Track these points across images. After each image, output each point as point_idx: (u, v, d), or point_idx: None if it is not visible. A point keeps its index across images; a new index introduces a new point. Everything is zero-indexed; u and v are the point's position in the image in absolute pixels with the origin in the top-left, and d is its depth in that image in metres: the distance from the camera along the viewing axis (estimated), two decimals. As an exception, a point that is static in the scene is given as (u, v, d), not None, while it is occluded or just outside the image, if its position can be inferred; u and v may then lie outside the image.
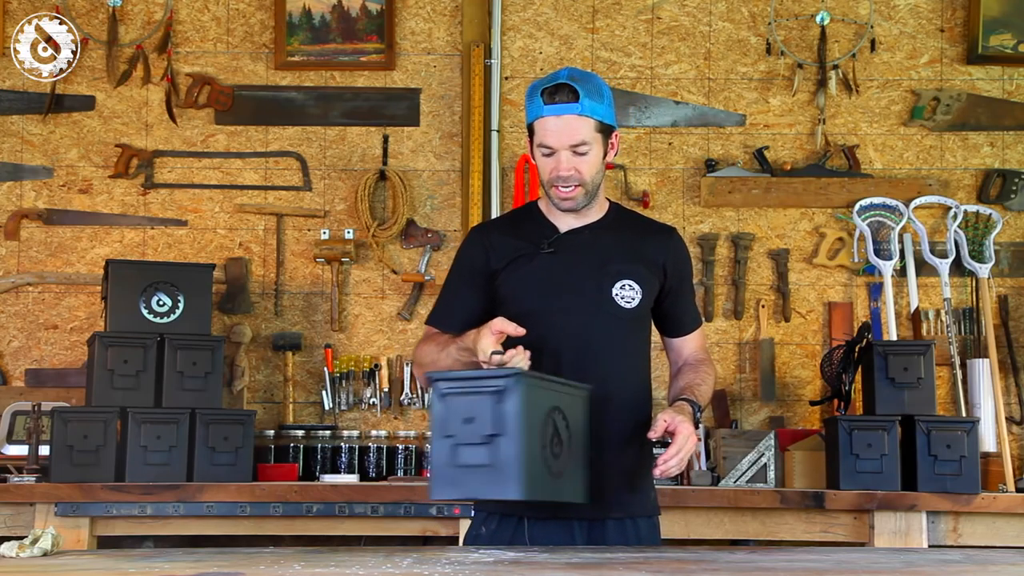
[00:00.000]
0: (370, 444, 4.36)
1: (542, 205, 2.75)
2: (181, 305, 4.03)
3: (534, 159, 2.64)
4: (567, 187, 2.59)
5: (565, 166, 2.56)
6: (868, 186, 4.60)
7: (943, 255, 4.51)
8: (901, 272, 4.57)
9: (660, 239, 2.75)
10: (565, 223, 2.69)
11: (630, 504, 2.62)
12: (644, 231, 2.77)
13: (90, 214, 4.66)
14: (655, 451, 2.67)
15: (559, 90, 2.53)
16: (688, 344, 2.81)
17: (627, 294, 2.64)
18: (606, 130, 2.59)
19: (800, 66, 4.64)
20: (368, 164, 4.69)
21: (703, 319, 2.88)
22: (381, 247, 4.63)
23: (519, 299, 2.65)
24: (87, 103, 4.69)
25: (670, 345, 2.83)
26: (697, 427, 2.55)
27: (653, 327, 2.81)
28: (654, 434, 2.47)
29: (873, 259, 4.50)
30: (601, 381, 2.58)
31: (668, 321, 2.79)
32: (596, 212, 2.71)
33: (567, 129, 2.53)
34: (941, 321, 4.52)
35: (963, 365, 4.48)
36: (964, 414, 4.39)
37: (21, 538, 2.13)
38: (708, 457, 4.28)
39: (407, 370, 4.56)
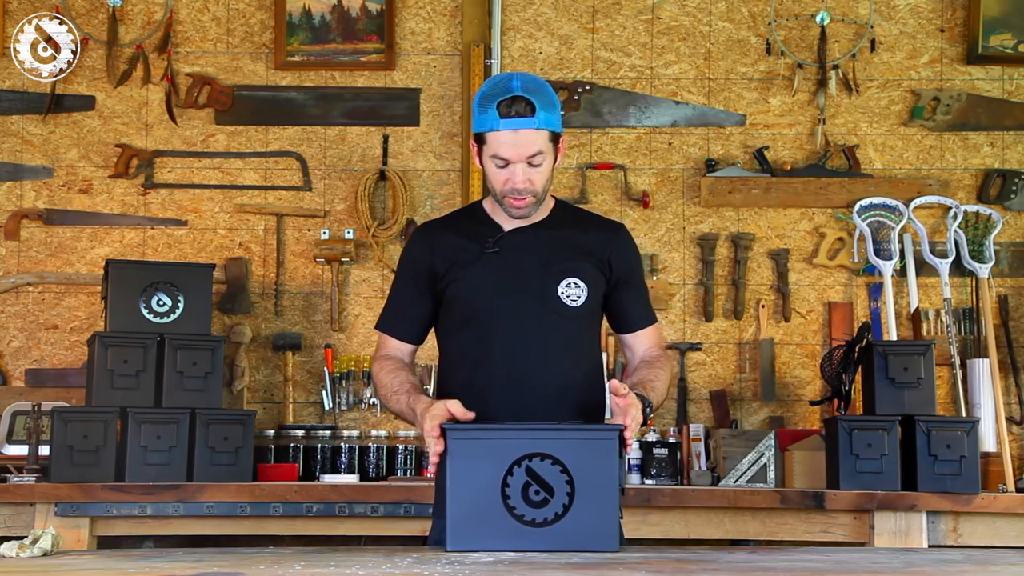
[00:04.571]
0: (370, 444, 4.35)
1: (487, 205, 2.75)
2: (181, 305, 4.03)
3: (481, 165, 2.64)
4: (521, 198, 2.59)
5: (521, 179, 2.56)
6: (868, 186, 4.60)
7: (943, 255, 4.51)
8: (901, 272, 4.57)
9: (605, 234, 2.74)
10: (509, 222, 2.69)
11: None
12: (589, 227, 2.76)
13: (90, 214, 4.66)
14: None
15: (515, 103, 2.51)
16: (641, 341, 2.78)
17: (572, 292, 2.64)
18: (556, 138, 2.59)
19: (800, 66, 4.64)
20: (368, 164, 4.69)
21: (656, 318, 2.84)
22: (381, 247, 4.63)
23: (465, 300, 2.66)
24: (87, 103, 4.69)
25: (623, 342, 2.82)
26: (645, 422, 2.50)
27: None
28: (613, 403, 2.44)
29: (873, 259, 4.50)
30: (551, 379, 2.60)
31: (616, 317, 2.78)
32: (541, 211, 2.71)
33: (523, 143, 2.53)
34: (941, 321, 4.52)
35: (963, 365, 4.48)
36: (964, 414, 4.39)
37: (21, 538, 2.14)
38: (708, 457, 4.28)
39: (407, 370, 4.56)
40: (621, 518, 2.31)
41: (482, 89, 2.59)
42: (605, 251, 2.71)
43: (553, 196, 2.76)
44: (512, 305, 2.63)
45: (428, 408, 2.40)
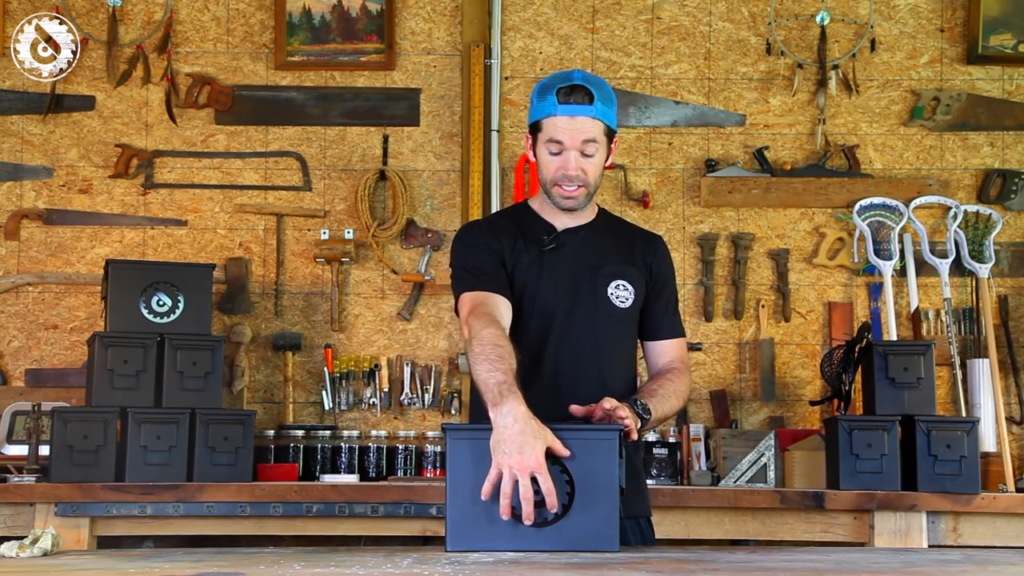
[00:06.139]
0: (370, 444, 4.36)
1: (534, 205, 2.76)
2: (181, 305, 4.03)
3: (533, 157, 2.66)
4: (571, 187, 2.61)
5: (573, 166, 2.58)
6: (868, 186, 4.60)
7: (943, 255, 4.51)
8: (901, 272, 4.57)
9: (647, 242, 2.79)
10: (560, 222, 2.71)
11: (632, 504, 2.62)
12: (632, 234, 2.81)
13: (90, 214, 4.66)
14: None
15: (574, 91, 2.56)
16: (665, 353, 2.77)
17: (621, 294, 2.68)
18: (611, 135, 2.62)
19: (800, 66, 4.63)
20: (368, 164, 4.69)
21: (684, 332, 2.84)
22: (381, 247, 4.63)
23: (521, 295, 2.65)
24: (87, 103, 4.69)
25: (646, 350, 2.80)
26: (640, 430, 2.48)
27: None
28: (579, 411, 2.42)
29: (873, 259, 4.50)
30: (598, 379, 2.62)
31: (645, 324, 2.77)
32: (588, 214, 2.74)
33: (579, 130, 2.56)
34: (941, 321, 4.52)
35: (963, 365, 4.47)
36: (964, 414, 4.38)
37: (21, 538, 2.14)
38: (708, 457, 4.28)
39: (407, 370, 4.56)
40: (623, 517, 2.30)
41: (542, 81, 2.64)
42: (647, 258, 2.75)
43: (595, 203, 2.78)
44: (565, 304, 2.65)
45: (526, 432, 2.24)
